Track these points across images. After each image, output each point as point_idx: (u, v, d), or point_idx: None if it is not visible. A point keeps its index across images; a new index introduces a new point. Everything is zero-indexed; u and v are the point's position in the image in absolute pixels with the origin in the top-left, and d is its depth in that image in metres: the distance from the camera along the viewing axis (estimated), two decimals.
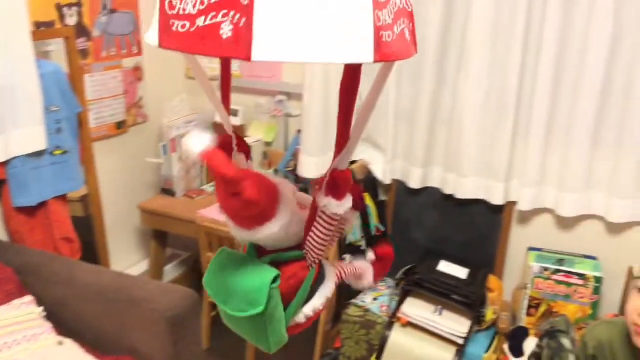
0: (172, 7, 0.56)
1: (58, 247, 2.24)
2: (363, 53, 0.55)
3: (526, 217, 2.45)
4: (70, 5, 2.37)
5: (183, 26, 0.56)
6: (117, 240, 2.73)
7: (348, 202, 0.71)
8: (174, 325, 1.74)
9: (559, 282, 2.23)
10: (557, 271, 2.23)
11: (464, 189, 2.41)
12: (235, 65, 2.82)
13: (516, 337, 2.18)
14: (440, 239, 2.57)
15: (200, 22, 0.54)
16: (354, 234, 2.38)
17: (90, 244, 2.49)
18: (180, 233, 2.72)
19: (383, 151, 2.52)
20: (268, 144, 2.84)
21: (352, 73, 0.66)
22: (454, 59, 2.30)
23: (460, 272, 2.29)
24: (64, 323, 1.87)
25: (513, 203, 2.40)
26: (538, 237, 2.44)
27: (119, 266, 2.70)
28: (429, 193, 2.55)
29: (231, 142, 0.77)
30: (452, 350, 2.09)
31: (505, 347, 2.18)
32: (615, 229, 2.29)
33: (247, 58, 0.53)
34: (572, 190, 2.22)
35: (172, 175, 2.74)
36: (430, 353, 2.11)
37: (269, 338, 0.72)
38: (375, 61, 0.58)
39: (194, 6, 0.54)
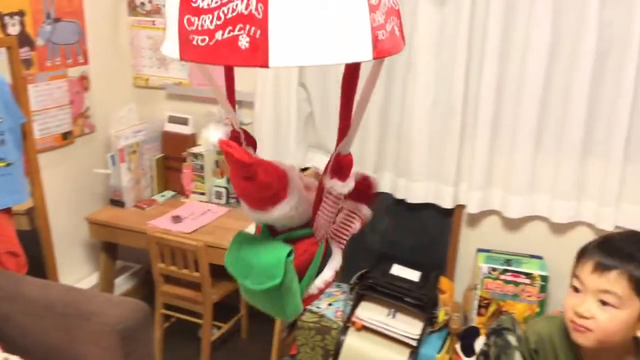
0: (190, 23, 0.62)
1: (3, 262, 2.18)
2: (363, 52, 0.64)
3: (475, 220, 2.53)
4: (12, 15, 2.32)
5: (202, 40, 0.62)
6: (66, 253, 2.67)
7: (351, 182, 0.78)
8: (124, 338, 1.72)
9: (507, 282, 2.31)
10: (505, 271, 2.31)
11: (415, 193, 2.47)
12: (185, 73, 2.82)
13: (467, 337, 2.25)
14: (393, 243, 2.62)
15: (218, 35, 0.61)
16: None
17: (37, 258, 2.43)
18: (131, 244, 2.68)
19: None
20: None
21: (352, 70, 0.74)
22: (401, 66, 2.37)
23: (413, 275, 2.35)
24: (10, 339, 1.82)
25: (462, 206, 2.48)
26: (486, 238, 2.53)
27: (68, 280, 2.65)
28: (381, 198, 2.60)
29: (239, 137, 0.87)
30: (406, 352, 2.14)
31: (457, 346, 2.24)
32: (559, 229, 2.39)
33: (265, 65, 0.60)
34: (517, 193, 2.31)
35: (121, 185, 2.71)
36: (384, 355, 2.16)
37: (286, 308, 0.81)
38: (374, 58, 0.65)
39: (212, 22, 0.61)
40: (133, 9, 2.84)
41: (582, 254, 1.20)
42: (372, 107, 2.42)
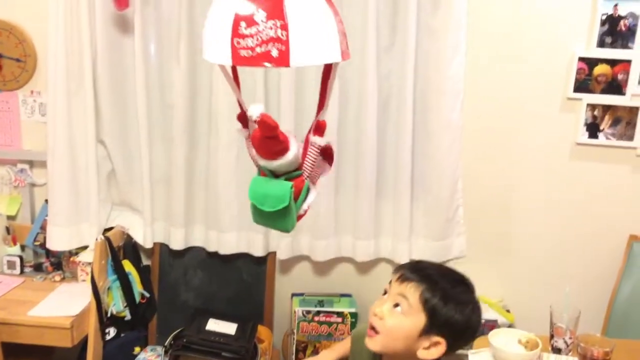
0: (238, 43, 1.03)
1: None
2: (337, 57, 1.09)
3: (288, 265, 2.66)
4: None
5: (247, 53, 1.03)
6: None
7: (326, 139, 1.23)
8: None
9: (321, 323, 2.46)
10: (319, 312, 2.46)
11: (226, 244, 2.53)
12: None
13: None
14: (209, 297, 2.65)
15: (258, 50, 1.02)
16: (117, 305, 2.33)
17: None
18: None
19: (141, 214, 2.54)
20: (11, 218, 2.65)
21: (328, 68, 1.19)
22: (204, 123, 2.46)
23: (229, 328, 2.38)
24: None
25: (274, 253, 2.59)
26: (300, 282, 2.67)
27: None
28: (193, 252, 2.63)
29: (246, 115, 1.23)
30: None
31: None
32: (363, 267, 2.62)
33: (288, 65, 1.03)
34: (323, 237, 2.48)
35: None
36: None
37: (288, 223, 1.23)
38: (342, 60, 1.10)
39: (253, 43, 1.02)
40: None
41: (397, 268, 1.41)
42: (176, 162, 2.45)
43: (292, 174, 1.25)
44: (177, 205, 2.51)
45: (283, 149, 1.20)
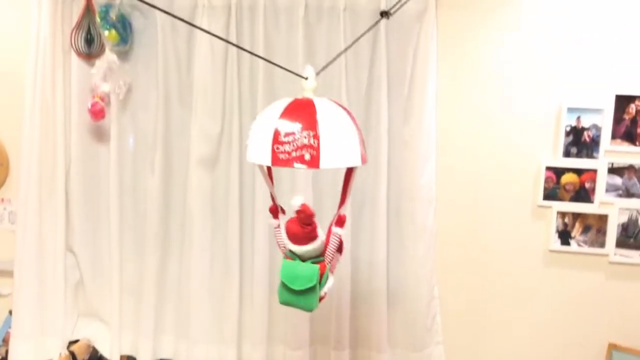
0: (278, 149, 1.35)
1: None
2: (358, 161, 1.43)
3: None
4: None
5: (284, 156, 1.36)
6: None
7: (344, 230, 1.55)
8: None
9: None
10: None
11: (196, 359, 2.46)
12: None
13: None
14: None
15: (293, 154, 1.35)
16: None
17: None
18: None
19: (108, 325, 2.48)
20: None
21: (350, 170, 1.55)
22: (177, 229, 2.48)
23: None
24: None
25: None
26: None
27: None
28: None
29: (277, 208, 1.66)
30: None
31: None
32: None
33: (318, 167, 1.36)
34: (298, 347, 2.43)
35: None
36: None
37: (312, 302, 1.53)
38: (362, 163, 1.45)
39: (289, 149, 1.35)
40: None
41: None
42: (147, 270, 2.44)
43: (316, 259, 1.55)
44: (147, 314, 2.47)
45: (313, 237, 1.53)
